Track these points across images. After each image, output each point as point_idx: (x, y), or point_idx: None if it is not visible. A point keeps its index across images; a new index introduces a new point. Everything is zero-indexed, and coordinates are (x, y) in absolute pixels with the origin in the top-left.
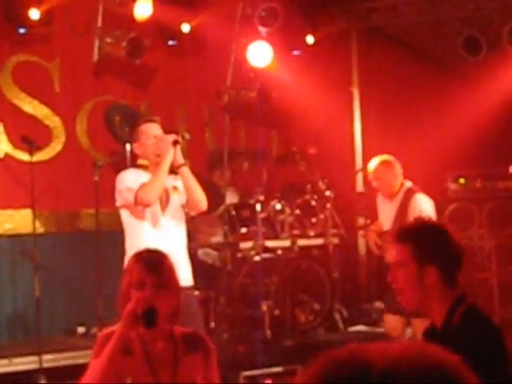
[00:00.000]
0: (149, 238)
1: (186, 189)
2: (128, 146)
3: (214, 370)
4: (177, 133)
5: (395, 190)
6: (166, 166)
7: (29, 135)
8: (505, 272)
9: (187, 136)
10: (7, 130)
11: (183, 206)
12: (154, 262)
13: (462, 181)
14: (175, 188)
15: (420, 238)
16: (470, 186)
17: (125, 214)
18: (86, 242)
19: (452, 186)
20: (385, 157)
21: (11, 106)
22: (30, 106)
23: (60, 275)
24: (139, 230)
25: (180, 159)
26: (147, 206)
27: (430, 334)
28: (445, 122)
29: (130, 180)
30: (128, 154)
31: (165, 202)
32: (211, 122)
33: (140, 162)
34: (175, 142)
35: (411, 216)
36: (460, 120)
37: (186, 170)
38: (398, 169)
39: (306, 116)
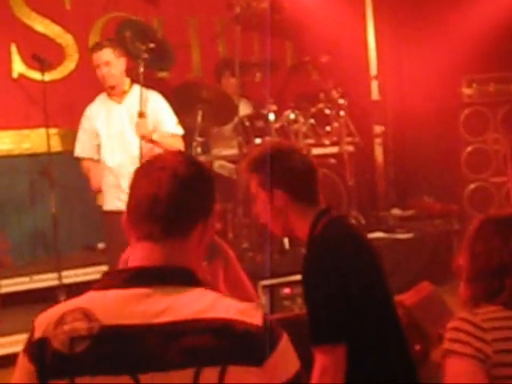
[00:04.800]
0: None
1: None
2: (140, 62)
3: (236, 271)
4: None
5: None
6: None
7: (42, 54)
8: None
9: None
10: (20, 51)
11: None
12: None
13: (475, 85)
14: (142, 114)
15: (260, 167)
16: (483, 90)
17: None
18: None
19: (466, 91)
20: None
21: (23, 26)
22: (42, 25)
23: (78, 193)
24: None
25: (144, 129)
26: None
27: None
28: (458, 27)
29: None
30: (141, 70)
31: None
32: (223, 33)
33: None
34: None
35: None
36: (472, 24)
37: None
38: None
39: (318, 25)
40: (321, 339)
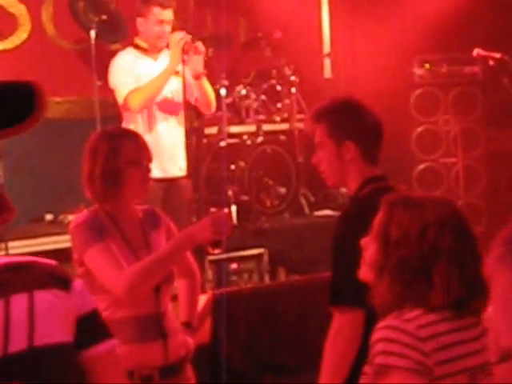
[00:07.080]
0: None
1: (203, 94)
2: (93, 33)
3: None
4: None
5: None
6: (168, 71)
7: None
8: (470, 157)
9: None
10: None
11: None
12: (142, 140)
13: (427, 66)
14: (177, 72)
15: (334, 116)
16: (435, 71)
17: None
18: (53, 131)
19: (417, 71)
20: None
21: None
22: None
23: (27, 164)
24: (133, 118)
25: (199, 67)
26: (133, 112)
27: None
28: (412, 6)
29: (123, 71)
30: (93, 41)
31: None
32: (177, 8)
33: (138, 41)
34: (185, 45)
35: None
36: (427, 4)
37: (205, 82)
38: None
39: (272, 0)
40: (340, 299)
